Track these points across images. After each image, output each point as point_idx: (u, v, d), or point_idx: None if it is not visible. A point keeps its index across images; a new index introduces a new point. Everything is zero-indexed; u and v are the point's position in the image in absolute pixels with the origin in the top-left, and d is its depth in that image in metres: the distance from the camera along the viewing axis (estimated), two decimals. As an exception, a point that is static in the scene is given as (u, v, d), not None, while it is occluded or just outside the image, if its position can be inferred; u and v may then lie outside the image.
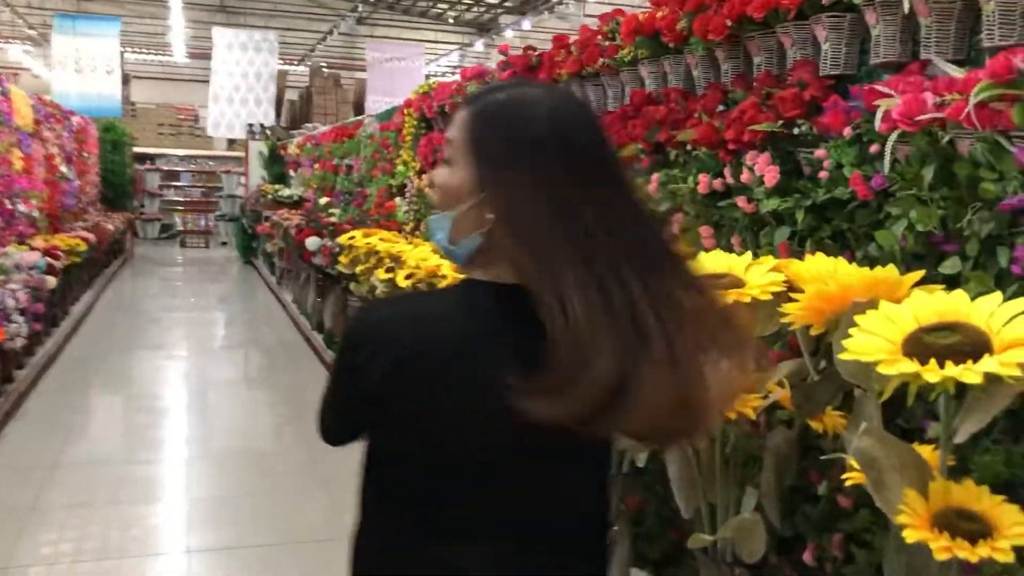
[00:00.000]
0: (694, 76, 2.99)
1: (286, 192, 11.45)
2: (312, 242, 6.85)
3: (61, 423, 5.31)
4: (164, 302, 10.99)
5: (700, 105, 2.80)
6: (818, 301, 1.55)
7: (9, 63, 22.61)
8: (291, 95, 19.56)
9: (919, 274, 1.54)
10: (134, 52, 22.82)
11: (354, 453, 1.22)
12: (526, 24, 17.87)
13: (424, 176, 6.13)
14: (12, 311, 5.10)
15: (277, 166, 14.47)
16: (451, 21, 20.81)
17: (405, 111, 6.36)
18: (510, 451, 1.09)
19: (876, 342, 1.18)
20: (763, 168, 2.36)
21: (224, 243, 18.31)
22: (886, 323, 1.21)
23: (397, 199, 7.01)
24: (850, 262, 1.85)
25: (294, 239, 8.87)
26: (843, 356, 1.23)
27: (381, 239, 5.44)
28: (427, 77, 16.80)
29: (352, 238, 5.92)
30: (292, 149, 13.11)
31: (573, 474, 1.16)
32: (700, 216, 2.73)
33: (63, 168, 10.84)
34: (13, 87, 8.06)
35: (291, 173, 13.26)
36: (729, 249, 2.59)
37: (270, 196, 12.05)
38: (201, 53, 23.79)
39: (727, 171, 2.58)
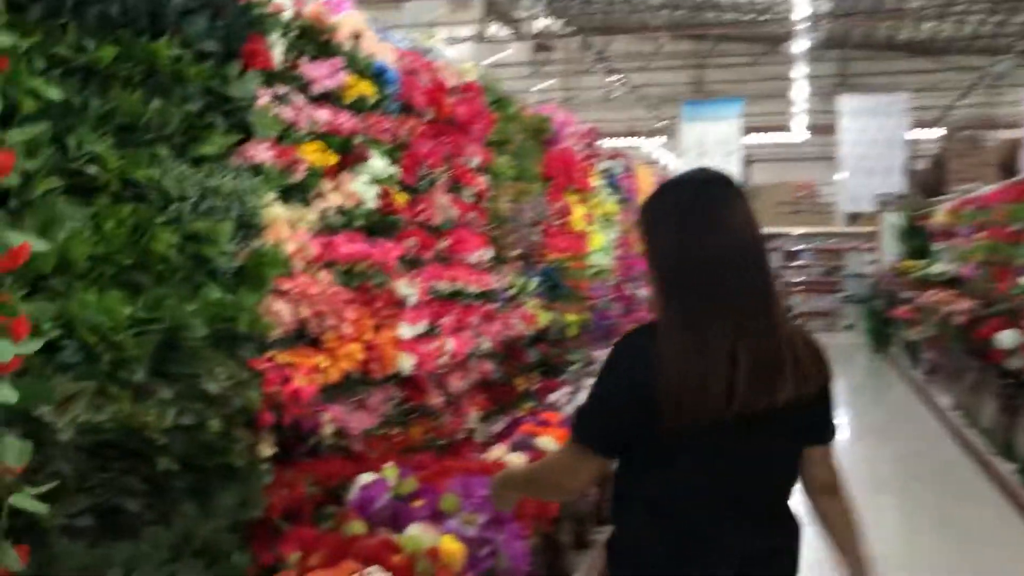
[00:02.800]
0: None
1: (936, 269, 9.32)
2: (1010, 337, 4.79)
3: None
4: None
5: None
6: None
7: (642, 157, 24.30)
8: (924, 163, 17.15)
9: None
10: (753, 134, 22.73)
11: None
12: None
13: None
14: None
15: (916, 239, 12.31)
16: None
17: None
18: None
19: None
20: None
21: (849, 326, 16.51)
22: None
23: None
24: None
25: (962, 328, 6.79)
26: None
27: None
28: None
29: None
30: (941, 217, 10.87)
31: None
32: None
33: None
34: (639, 164, 7.57)
35: (935, 247, 11.01)
36: None
37: (912, 274, 10.02)
38: (819, 128, 22.81)
39: None
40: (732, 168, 17.88)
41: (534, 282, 4.60)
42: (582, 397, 4.27)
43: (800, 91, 19.40)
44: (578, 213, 5.36)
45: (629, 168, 6.89)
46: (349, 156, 2.83)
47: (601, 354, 5.46)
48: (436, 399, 3.37)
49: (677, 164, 17.82)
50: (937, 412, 7.98)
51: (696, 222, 1.55)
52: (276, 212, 2.37)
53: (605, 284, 6.01)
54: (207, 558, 2.04)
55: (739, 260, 1.55)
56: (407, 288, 3.14)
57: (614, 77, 17.80)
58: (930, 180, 15.70)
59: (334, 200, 2.69)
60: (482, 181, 3.90)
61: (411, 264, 3.27)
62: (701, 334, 1.50)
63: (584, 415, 1.64)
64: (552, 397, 4.49)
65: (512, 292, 4.34)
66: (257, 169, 2.34)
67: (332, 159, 2.68)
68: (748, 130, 19.02)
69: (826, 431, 1.67)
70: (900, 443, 7.37)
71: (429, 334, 3.35)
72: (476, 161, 3.84)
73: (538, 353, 4.68)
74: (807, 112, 21.26)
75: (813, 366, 1.57)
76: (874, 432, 7.97)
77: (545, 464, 1.81)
